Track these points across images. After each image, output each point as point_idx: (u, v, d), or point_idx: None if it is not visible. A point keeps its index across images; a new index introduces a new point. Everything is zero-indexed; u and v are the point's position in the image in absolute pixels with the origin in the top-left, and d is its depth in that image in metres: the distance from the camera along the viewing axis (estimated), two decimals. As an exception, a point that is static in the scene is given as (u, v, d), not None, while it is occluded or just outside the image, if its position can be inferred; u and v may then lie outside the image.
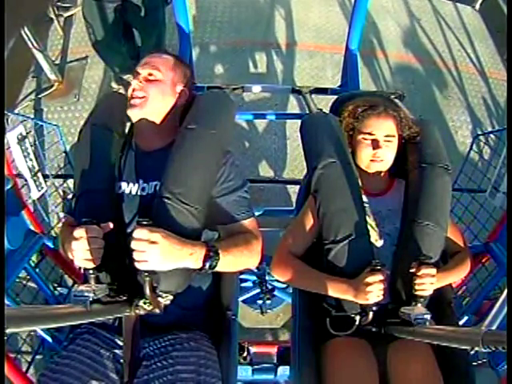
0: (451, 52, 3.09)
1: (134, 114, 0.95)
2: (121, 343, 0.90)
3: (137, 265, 0.77)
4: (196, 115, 0.95)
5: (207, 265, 0.82)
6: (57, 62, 2.80)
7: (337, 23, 3.16)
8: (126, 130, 1.03)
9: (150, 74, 0.96)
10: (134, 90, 0.95)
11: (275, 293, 1.68)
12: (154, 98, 0.94)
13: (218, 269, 0.85)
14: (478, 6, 3.33)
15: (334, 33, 3.08)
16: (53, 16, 2.87)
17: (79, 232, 0.79)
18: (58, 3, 2.89)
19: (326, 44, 3.03)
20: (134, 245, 0.76)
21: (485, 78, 2.97)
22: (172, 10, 1.77)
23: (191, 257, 0.81)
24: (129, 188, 0.94)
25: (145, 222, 0.80)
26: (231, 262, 0.87)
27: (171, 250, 0.78)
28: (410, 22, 3.26)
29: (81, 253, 0.79)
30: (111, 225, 0.83)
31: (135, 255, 0.77)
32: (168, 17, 2.91)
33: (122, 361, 0.89)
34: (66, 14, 3.00)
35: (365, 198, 1.04)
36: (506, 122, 2.53)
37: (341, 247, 0.97)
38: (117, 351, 0.91)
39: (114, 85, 2.61)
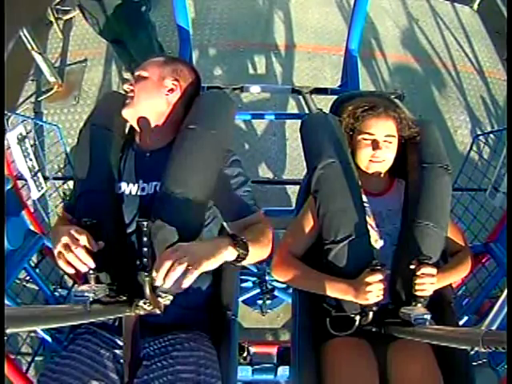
0: (450, 52, 3.10)
1: (125, 114, 0.96)
2: (121, 343, 0.90)
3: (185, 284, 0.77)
4: (196, 115, 0.95)
5: (239, 253, 0.81)
6: (56, 64, 2.82)
7: (335, 24, 3.17)
8: (126, 130, 1.03)
9: (139, 75, 0.98)
10: (126, 93, 0.98)
11: (275, 293, 1.68)
12: (140, 93, 0.95)
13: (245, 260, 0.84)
14: (475, 6, 3.35)
15: (333, 34, 3.09)
16: (52, 19, 2.89)
17: (65, 238, 0.79)
18: (58, 6, 2.90)
19: (324, 45, 3.04)
20: (171, 277, 0.74)
21: (483, 77, 2.98)
22: (172, 12, 1.78)
23: (227, 250, 0.80)
24: (129, 188, 0.94)
25: (145, 223, 0.80)
26: (256, 251, 0.86)
27: (206, 255, 0.78)
28: (408, 23, 3.27)
29: (62, 258, 0.79)
30: (102, 245, 0.83)
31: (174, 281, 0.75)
32: (167, 19, 2.92)
33: (122, 361, 0.89)
34: (66, 17, 3.01)
35: (365, 198, 1.04)
36: (505, 122, 2.53)
37: (341, 247, 0.97)
38: (117, 351, 0.90)
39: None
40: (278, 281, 1.47)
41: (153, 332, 0.92)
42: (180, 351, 0.89)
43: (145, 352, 0.91)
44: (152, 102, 0.96)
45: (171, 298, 0.88)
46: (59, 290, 1.47)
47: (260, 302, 1.70)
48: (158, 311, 0.85)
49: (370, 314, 0.95)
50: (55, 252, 0.80)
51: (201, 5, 3.22)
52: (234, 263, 0.83)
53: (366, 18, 1.78)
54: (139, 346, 0.89)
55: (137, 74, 0.99)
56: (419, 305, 0.94)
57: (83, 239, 0.80)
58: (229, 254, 0.80)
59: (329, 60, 2.92)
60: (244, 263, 0.87)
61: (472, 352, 1.03)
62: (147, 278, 0.81)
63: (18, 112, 2.42)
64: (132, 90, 0.96)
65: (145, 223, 0.80)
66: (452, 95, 2.86)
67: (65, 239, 0.78)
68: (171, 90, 0.97)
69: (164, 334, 0.92)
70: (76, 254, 0.78)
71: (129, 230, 0.91)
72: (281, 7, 3.28)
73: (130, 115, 0.96)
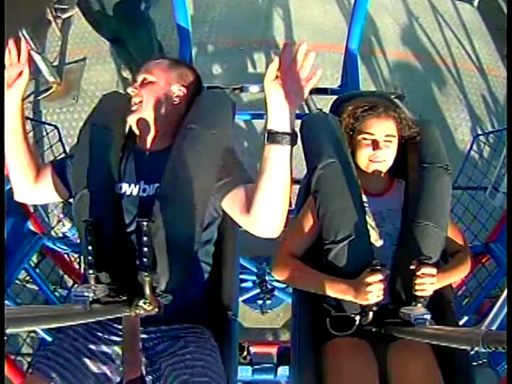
0: (450, 49, 3.09)
1: (132, 120, 0.96)
2: (120, 330, 0.90)
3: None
4: (196, 115, 0.95)
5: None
6: (55, 63, 2.80)
7: (335, 22, 3.15)
8: (127, 131, 1.03)
9: (145, 79, 0.97)
10: (131, 98, 0.97)
11: (275, 293, 1.68)
12: (148, 99, 0.95)
13: (287, 158, 0.75)
14: (476, 4, 3.33)
15: (333, 32, 3.07)
16: (51, 18, 2.87)
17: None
18: (56, 5, 2.88)
19: (324, 43, 3.02)
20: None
21: (484, 75, 2.97)
22: (171, 10, 1.77)
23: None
24: (130, 189, 0.94)
25: (145, 223, 0.80)
26: (288, 173, 0.77)
27: None
28: (408, 20, 3.26)
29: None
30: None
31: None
32: (167, 17, 2.90)
33: (120, 354, 0.88)
34: (64, 16, 2.99)
35: (365, 198, 1.04)
36: (505, 121, 2.53)
37: (341, 247, 0.97)
38: (114, 337, 0.90)
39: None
40: (278, 281, 1.47)
41: (153, 328, 0.92)
42: (184, 338, 0.89)
43: (146, 345, 0.90)
44: (159, 108, 0.95)
45: (171, 297, 0.88)
46: (59, 289, 1.47)
47: (260, 302, 1.70)
48: (157, 311, 0.86)
49: (370, 314, 0.95)
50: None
51: (200, 2, 3.21)
52: (283, 140, 0.72)
53: (366, 16, 1.76)
54: (139, 345, 0.89)
55: (142, 77, 0.97)
56: (419, 305, 0.94)
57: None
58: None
59: (329, 58, 2.91)
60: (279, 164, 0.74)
61: (472, 352, 1.03)
62: (147, 278, 0.82)
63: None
64: (138, 94, 0.95)
65: (145, 223, 0.80)
66: (452, 93, 2.85)
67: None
68: (178, 97, 0.97)
69: (165, 328, 0.92)
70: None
71: (129, 230, 0.91)
72: (280, 5, 3.27)
73: (136, 121, 0.96)
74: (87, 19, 2.27)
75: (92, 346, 0.86)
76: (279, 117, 0.71)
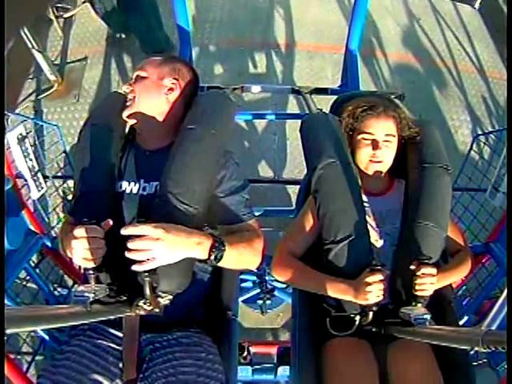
0: (451, 51, 3.09)
1: (126, 115, 0.97)
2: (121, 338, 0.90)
3: (140, 267, 0.76)
4: (196, 115, 0.95)
5: (213, 256, 0.82)
6: (56, 62, 2.81)
7: (336, 23, 3.16)
8: (127, 130, 1.03)
9: (138, 76, 0.99)
10: (127, 95, 0.98)
11: (275, 293, 1.68)
12: (140, 94, 0.96)
13: (222, 262, 0.84)
14: (477, 5, 3.34)
15: (334, 32, 3.08)
16: (52, 17, 2.88)
17: (79, 231, 0.78)
18: (58, 4, 2.89)
19: (325, 44, 3.03)
20: (137, 245, 0.75)
21: (484, 77, 2.97)
22: (172, 11, 1.77)
23: (198, 246, 0.80)
24: (130, 187, 0.94)
25: (141, 220, 0.80)
26: (235, 256, 0.86)
27: (177, 241, 0.78)
28: (409, 22, 3.27)
29: (80, 252, 0.78)
30: (111, 222, 0.81)
31: (139, 255, 0.75)
32: (167, 18, 2.91)
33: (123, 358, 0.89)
34: (66, 15, 3.01)
35: (365, 198, 1.04)
36: (505, 122, 2.53)
37: (341, 247, 0.97)
38: (118, 346, 0.90)
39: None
40: (278, 281, 1.46)
41: (153, 330, 0.92)
42: (181, 346, 0.89)
43: (146, 350, 0.91)
44: (152, 102, 0.96)
45: (171, 297, 0.88)
46: (59, 289, 1.47)
47: (260, 301, 1.70)
48: (157, 311, 0.86)
49: (370, 314, 0.95)
50: (71, 250, 0.79)
51: (201, 3, 3.22)
52: (207, 263, 0.84)
53: (367, 17, 1.76)
54: (139, 345, 0.89)
55: (135, 74, 0.99)
56: (419, 305, 0.94)
57: (98, 232, 0.79)
58: (200, 254, 0.81)
59: (330, 59, 2.91)
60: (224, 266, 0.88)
61: (472, 352, 1.03)
62: (147, 278, 0.82)
63: (18, 110, 2.42)
64: (132, 91, 0.97)
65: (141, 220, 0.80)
66: (453, 94, 2.85)
67: (79, 232, 0.78)
68: (171, 90, 0.98)
69: (165, 331, 0.93)
70: (95, 247, 0.78)
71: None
72: (281, 5, 3.28)
73: (131, 116, 0.96)
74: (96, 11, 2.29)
75: (99, 360, 0.87)
76: (194, 255, 0.81)
